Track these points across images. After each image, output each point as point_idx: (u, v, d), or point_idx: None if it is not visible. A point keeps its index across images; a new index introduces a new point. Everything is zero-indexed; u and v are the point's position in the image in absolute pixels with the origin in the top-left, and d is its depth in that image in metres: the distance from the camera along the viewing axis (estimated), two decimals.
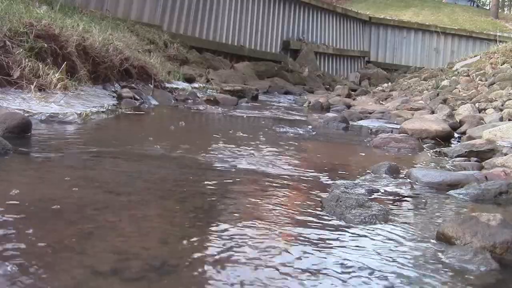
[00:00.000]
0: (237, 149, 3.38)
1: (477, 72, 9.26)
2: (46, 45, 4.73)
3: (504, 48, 10.32)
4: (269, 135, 4.34)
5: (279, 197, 2.22)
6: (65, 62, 4.81)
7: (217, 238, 1.62)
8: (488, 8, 31.71)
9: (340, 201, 2.03)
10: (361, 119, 6.61)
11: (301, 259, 1.51)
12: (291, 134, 4.59)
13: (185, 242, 1.56)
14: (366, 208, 2.00)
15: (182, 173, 2.53)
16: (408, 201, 2.36)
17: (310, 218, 1.92)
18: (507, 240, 1.64)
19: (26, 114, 3.47)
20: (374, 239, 1.74)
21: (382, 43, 19.92)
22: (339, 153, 4.02)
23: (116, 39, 6.80)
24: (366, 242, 1.70)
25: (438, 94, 8.25)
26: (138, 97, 5.92)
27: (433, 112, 6.61)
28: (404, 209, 2.21)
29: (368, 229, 1.83)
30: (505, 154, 3.43)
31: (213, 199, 2.02)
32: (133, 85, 6.30)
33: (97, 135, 3.71)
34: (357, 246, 1.65)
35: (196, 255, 1.46)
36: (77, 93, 4.83)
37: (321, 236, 1.73)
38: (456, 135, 5.08)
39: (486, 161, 3.40)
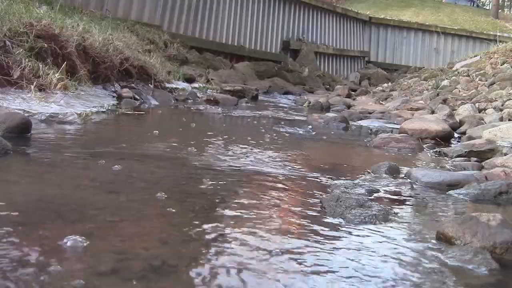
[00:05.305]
0: (237, 149, 3.38)
1: (477, 72, 9.26)
2: (46, 45, 4.72)
3: (504, 48, 10.32)
4: (269, 135, 4.34)
5: (279, 197, 2.22)
6: (65, 62, 4.81)
7: (217, 238, 1.62)
8: (488, 8, 31.69)
9: (340, 201, 2.03)
10: (361, 119, 6.61)
11: (301, 259, 1.51)
12: (291, 134, 4.59)
13: (185, 242, 1.57)
14: (366, 208, 2.00)
15: (182, 173, 2.53)
16: (408, 201, 2.36)
17: (310, 218, 1.92)
18: (507, 240, 1.64)
19: (26, 114, 3.47)
20: (374, 239, 1.74)
21: (382, 43, 19.90)
22: (339, 153, 4.02)
23: (116, 39, 6.80)
24: (366, 242, 1.70)
25: (438, 94, 8.25)
26: (138, 97, 5.92)
27: (433, 112, 6.61)
28: (404, 209, 2.21)
29: (368, 229, 1.83)
30: (505, 154, 3.44)
31: (213, 199, 2.02)
32: (133, 85, 6.30)
33: (97, 135, 3.71)
34: (357, 246, 1.65)
35: (196, 255, 1.46)
36: (77, 93, 4.83)
37: (321, 236, 1.73)
38: (456, 135, 5.08)
39: (486, 161, 3.40)
